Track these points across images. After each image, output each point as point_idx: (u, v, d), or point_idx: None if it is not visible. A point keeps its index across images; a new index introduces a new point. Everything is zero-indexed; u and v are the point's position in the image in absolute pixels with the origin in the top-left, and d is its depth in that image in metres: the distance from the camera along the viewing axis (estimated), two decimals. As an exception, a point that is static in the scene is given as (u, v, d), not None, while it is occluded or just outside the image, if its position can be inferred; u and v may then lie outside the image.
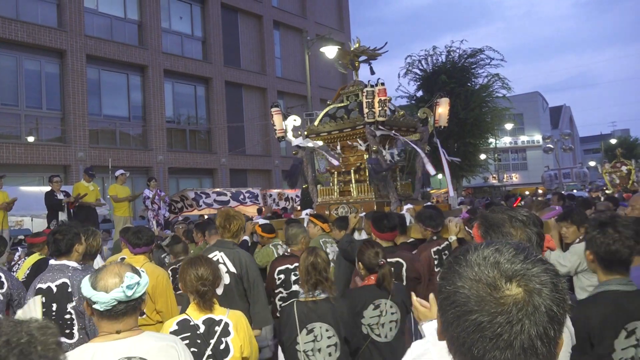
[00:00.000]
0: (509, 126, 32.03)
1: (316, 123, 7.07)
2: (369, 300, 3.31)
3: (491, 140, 26.82)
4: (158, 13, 20.76)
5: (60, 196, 9.41)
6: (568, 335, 1.91)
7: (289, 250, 4.58)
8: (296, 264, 4.29)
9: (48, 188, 9.89)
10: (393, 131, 6.41)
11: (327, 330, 2.99)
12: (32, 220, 13.56)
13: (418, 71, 23.07)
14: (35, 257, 5.06)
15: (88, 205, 9.80)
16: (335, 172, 6.99)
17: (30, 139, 16.92)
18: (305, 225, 5.96)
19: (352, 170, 6.75)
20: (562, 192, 15.47)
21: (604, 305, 2.11)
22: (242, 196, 13.90)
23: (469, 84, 22.24)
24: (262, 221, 6.21)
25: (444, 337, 0.91)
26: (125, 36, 20.01)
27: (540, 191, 25.48)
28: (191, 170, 21.75)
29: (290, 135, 7.14)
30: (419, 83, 23.02)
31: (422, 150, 6.94)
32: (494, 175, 35.05)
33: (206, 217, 12.25)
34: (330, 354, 2.98)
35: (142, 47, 20.16)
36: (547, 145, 30.88)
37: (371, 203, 6.34)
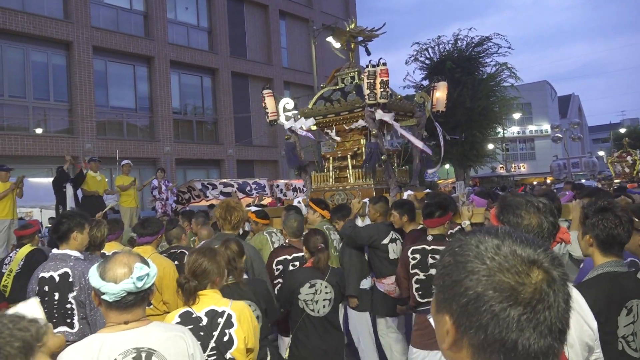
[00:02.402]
0: (516, 116, 31.79)
1: (310, 105, 6.79)
2: (306, 279, 3.72)
3: (499, 129, 26.64)
4: (164, 4, 20.70)
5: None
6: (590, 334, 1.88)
7: (286, 241, 4.52)
8: (295, 255, 4.31)
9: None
10: (392, 115, 6.11)
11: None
12: (41, 211, 13.65)
13: (425, 59, 22.92)
14: (27, 247, 5.07)
15: (93, 195, 9.83)
16: (331, 158, 6.71)
17: (39, 130, 16.99)
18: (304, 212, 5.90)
19: (348, 156, 6.48)
20: (571, 181, 15.36)
21: (607, 285, 2.24)
22: (248, 187, 13.89)
23: (476, 73, 22.06)
24: (254, 209, 6.02)
25: (457, 350, 0.86)
26: (131, 27, 19.98)
27: (548, 181, 25.33)
28: (198, 161, 21.79)
29: (282, 118, 6.91)
30: (425, 72, 22.86)
31: (417, 136, 6.78)
32: (502, 165, 34.86)
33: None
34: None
35: (148, 38, 20.13)
36: (556, 135, 30.63)
37: (370, 190, 6.12)
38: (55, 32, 17.29)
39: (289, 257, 4.30)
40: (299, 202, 6.59)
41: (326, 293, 3.74)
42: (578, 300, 1.89)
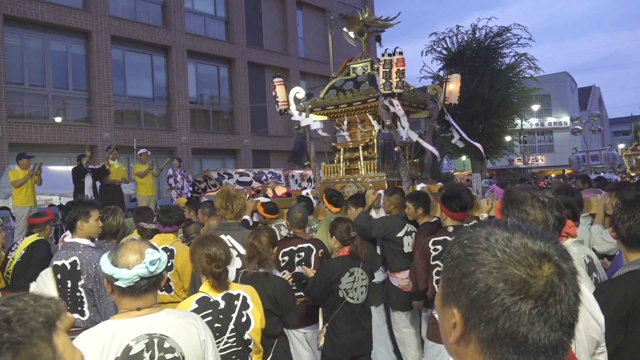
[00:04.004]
0: (535, 107, 31.37)
1: (321, 95, 6.65)
2: (346, 268, 3.78)
3: (517, 121, 26.30)
4: (181, -7, 20.77)
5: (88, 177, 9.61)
6: (597, 330, 1.85)
7: (290, 232, 4.48)
8: (300, 246, 4.27)
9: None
10: (400, 108, 5.88)
11: None
12: (60, 199, 13.87)
13: (443, 50, 22.65)
14: (33, 237, 5.00)
15: (113, 184, 9.96)
16: (342, 149, 6.61)
17: (58, 119, 17.21)
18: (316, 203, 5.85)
19: (360, 147, 6.36)
20: (587, 174, 15.12)
21: (637, 283, 2.14)
22: (264, 177, 13.95)
23: (495, 64, 21.75)
24: (264, 199, 5.89)
25: (464, 345, 0.85)
26: (149, 17, 20.08)
27: (566, 173, 25.00)
28: (214, 151, 21.90)
29: (293, 108, 6.76)
30: (443, 63, 22.60)
31: (429, 130, 6.64)
32: (519, 158, 34.46)
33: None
34: None
35: (166, 27, 20.21)
36: (576, 127, 30.11)
37: (382, 182, 6.01)
38: (75, 22, 17.45)
39: (294, 248, 4.26)
40: (307, 193, 6.54)
41: (362, 280, 3.85)
42: (585, 293, 1.84)
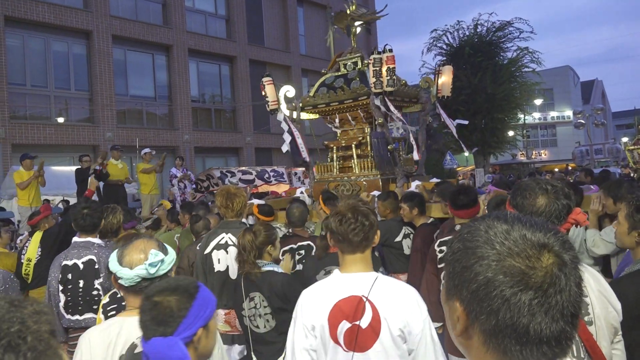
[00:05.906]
0: (538, 101, 31.24)
1: (312, 93, 6.54)
2: (320, 267, 3.69)
3: (520, 115, 26.23)
4: (182, -8, 20.74)
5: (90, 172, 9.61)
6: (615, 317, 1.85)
7: (290, 231, 4.45)
8: (300, 244, 4.25)
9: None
10: (394, 109, 5.82)
11: (263, 300, 3.22)
12: (63, 199, 13.87)
13: (444, 46, 22.58)
14: (38, 234, 4.91)
15: (117, 184, 9.96)
16: (334, 147, 6.50)
17: (60, 119, 17.23)
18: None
19: (353, 145, 6.26)
20: (591, 168, 15.06)
21: None
22: (267, 175, 13.92)
23: (497, 58, 21.67)
24: (258, 201, 5.76)
25: (468, 337, 0.86)
26: (149, 16, 20.07)
27: (570, 168, 24.92)
28: (217, 149, 21.91)
29: (284, 107, 6.62)
30: (444, 59, 22.52)
31: (422, 122, 6.58)
32: (522, 152, 34.36)
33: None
34: (268, 320, 3.22)
35: (167, 26, 20.20)
36: (579, 121, 29.98)
37: (376, 180, 5.91)
38: (75, 22, 17.46)
39: (294, 246, 4.24)
40: (301, 192, 6.47)
41: None
42: (601, 282, 1.86)
